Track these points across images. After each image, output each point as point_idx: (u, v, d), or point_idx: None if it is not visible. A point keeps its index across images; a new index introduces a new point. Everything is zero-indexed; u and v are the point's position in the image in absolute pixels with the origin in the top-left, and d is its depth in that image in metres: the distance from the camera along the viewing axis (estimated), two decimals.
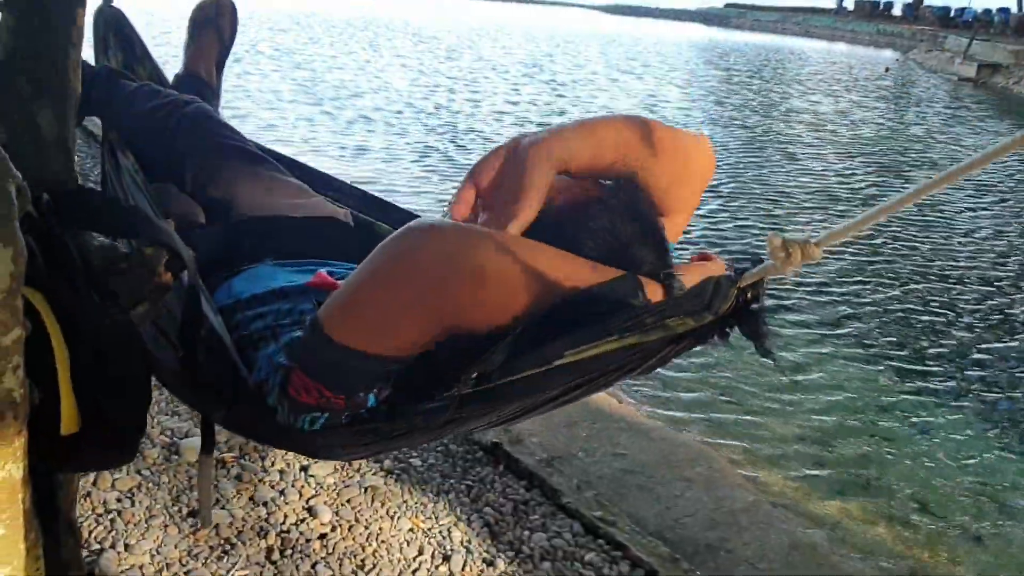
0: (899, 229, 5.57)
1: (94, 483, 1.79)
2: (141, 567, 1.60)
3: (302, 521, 1.78)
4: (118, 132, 1.42)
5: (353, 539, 1.75)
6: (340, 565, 1.66)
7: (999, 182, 7.53)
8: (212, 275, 1.15)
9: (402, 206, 1.48)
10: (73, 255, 0.83)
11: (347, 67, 12.82)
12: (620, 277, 0.76)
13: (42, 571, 0.78)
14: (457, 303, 0.74)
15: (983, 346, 3.83)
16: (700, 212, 5.28)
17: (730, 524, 2.00)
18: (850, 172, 7.64)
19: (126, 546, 1.64)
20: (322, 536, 1.74)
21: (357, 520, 1.80)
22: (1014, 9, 26.79)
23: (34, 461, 0.76)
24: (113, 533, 1.67)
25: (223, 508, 1.77)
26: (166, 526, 1.70)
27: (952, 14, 30.34)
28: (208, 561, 1.63)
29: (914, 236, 5.52)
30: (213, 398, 0.97)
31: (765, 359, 0.79)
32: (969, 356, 3.71)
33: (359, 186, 1.50)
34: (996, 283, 4.76)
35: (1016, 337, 3.97)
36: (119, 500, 1.76)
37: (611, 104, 11.26)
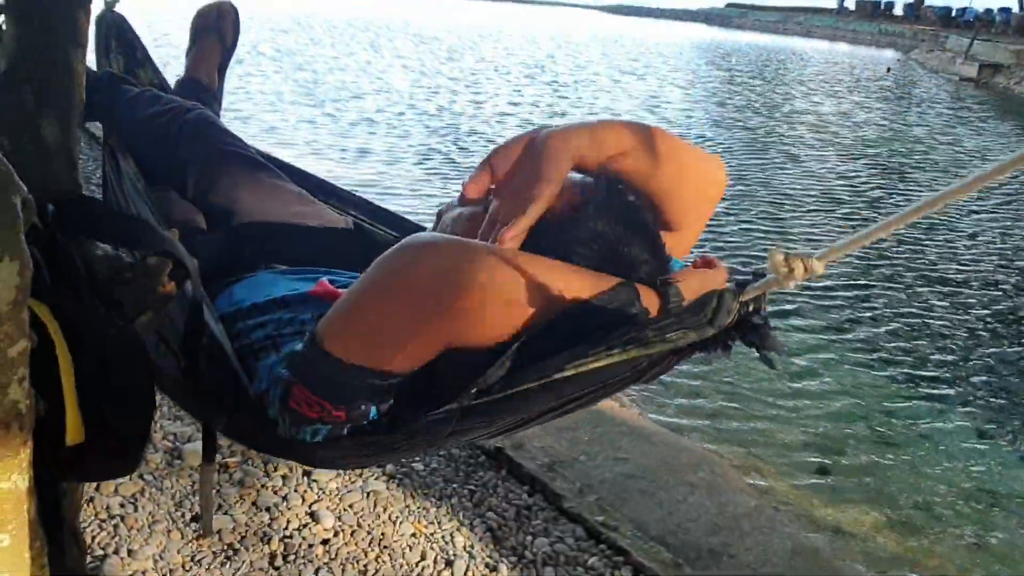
0: (903, 232, 5.57)
1: (97, 488, 1.79)
2: (144, 572, 1.60)
3: (305, 526, 1.78)
4: (119, 137, 1.42)
5: (356, 544, 1.75)
6: (343, 571, 1.67)
7: (1004, 184, 7.53)
8: (213, 282, 1.15)
9: (404, 210, 1.49)
10: (78, 266, 0.83)
11: (348, 68, 12.84)
12: (617, 286, 0.76)
13: None
14: (455, 318, 0.74)
15: (988, 351, 3.82)
16: None
17: (732, 529, 2.00)
18: (853, 174, 7.64)
19: (129, 552, 1.64)
20: (325, 541, 1.74)
21: (360, 525, 1.80)
22: (1015, 9, 26.77)
23: (39, 471, 0.76)
24: (116, 539, 1.67)
25: (226, 513, 1.78)
26: (169, 531, 1.71)
27: (953, 14, 30.35)
28: (211, 567, 1.63)
29: (918, 239, 5.51)
30: (214, 407, 0.97)
31: (769, 368, 0.79)
32: (974, 361, 3.70)
33: (361, 188, 1.51)
34: (1001, 287, 4.74)
35: (1022, 341, 3.96)
36: (122, 505, 1.76)
37: (613, 105, 11.27)
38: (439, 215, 0.96)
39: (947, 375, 3.54)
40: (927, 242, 5.49)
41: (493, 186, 0.85)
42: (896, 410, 3.20)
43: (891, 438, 2.98)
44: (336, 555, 1.71)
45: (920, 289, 4.59)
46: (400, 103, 9.65)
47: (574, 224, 0.82)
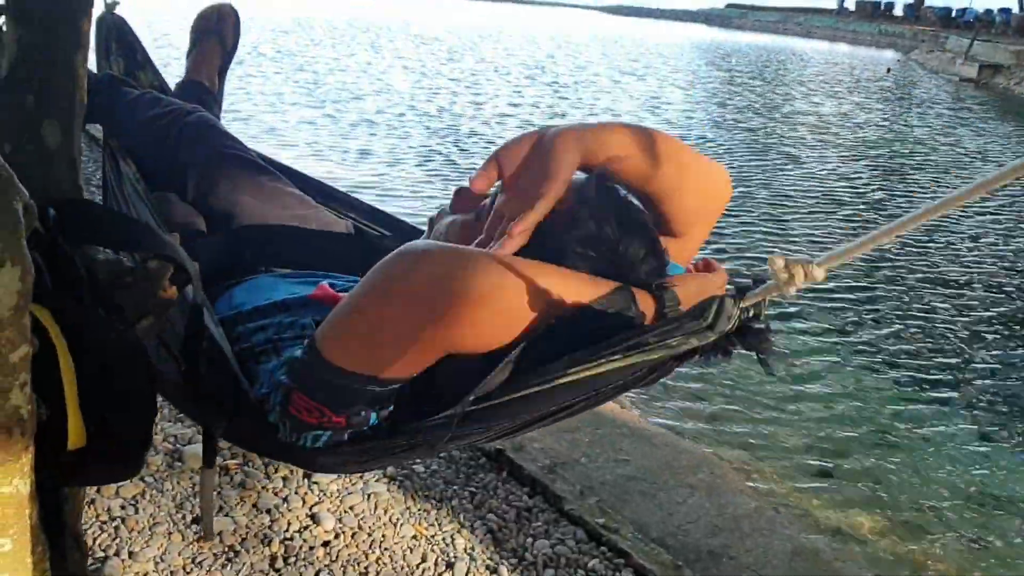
0: (905, 233, 5.54)
1: (98, 490, 1.79)
2: (145, 575, 1.60)
3: (305, 528, 1.78)
4: (119, 140, 1.42)
5: (356, 546, 1.75)
6: (343, 573, 1.67)
7: (1007, 185, 7.50)
8: (213, 284, 1.15)
9: (405, 212, 1.49)
10: (79, 270, 0.83)
11: (349, 69, 12.84)
12: (613, 290, 0.77)
13: None
14: (451, 325, 0.74)
15: (990, 353, 3.81)
16: None
17: (733, 530, 2.00)
18: (854, 175, 7.64)
19: (130, 554, 1.64)
20: (325, 543, 1.74)
21: (360, 527, 1.81)
22: (1015, 9, 26.77)
23: (41, 476, 0.77)
24: (117, 541, 1.67)
25: (227, 515, 1.78)
26: (170, 533, 1.71)
27: (953, 14, 30.36)
28: (212, 569, 1.63)
29: (920, 240, 5.50)
30: (215, 411, 0.97)
31: (769, 374, 0.79)
32: (976, 363, 3.69)
33: (362, 190, 1.51)
34: (1004, 289, 4.73)
35: None
36: (123, 507, 1.76)
37: (614, 106, 11.27)
38: (431, 223, 0.96)
39: (949, 377, 3.53)
40: (929, 244, 5.48)
41: (499, 182, 0.85)
42: (897, 412, 3.20)
43: (892, 440, 2.98)
44: (337, 557, 1.71)
45: (922, 291, 4.58)
46: (401, 104, 9.66)
47: (572, 224, 0.82)
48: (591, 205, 0.83)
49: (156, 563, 1.63)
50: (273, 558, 1.68)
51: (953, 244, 5.56)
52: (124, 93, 1.58)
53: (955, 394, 3.39)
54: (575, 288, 0.76)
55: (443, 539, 1.81)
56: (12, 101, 0.91)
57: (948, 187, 7.47)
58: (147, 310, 0.89)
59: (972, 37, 20.13)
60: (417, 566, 1.72)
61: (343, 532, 1.78)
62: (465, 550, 1.78)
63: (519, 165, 0.84)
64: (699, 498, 2.10)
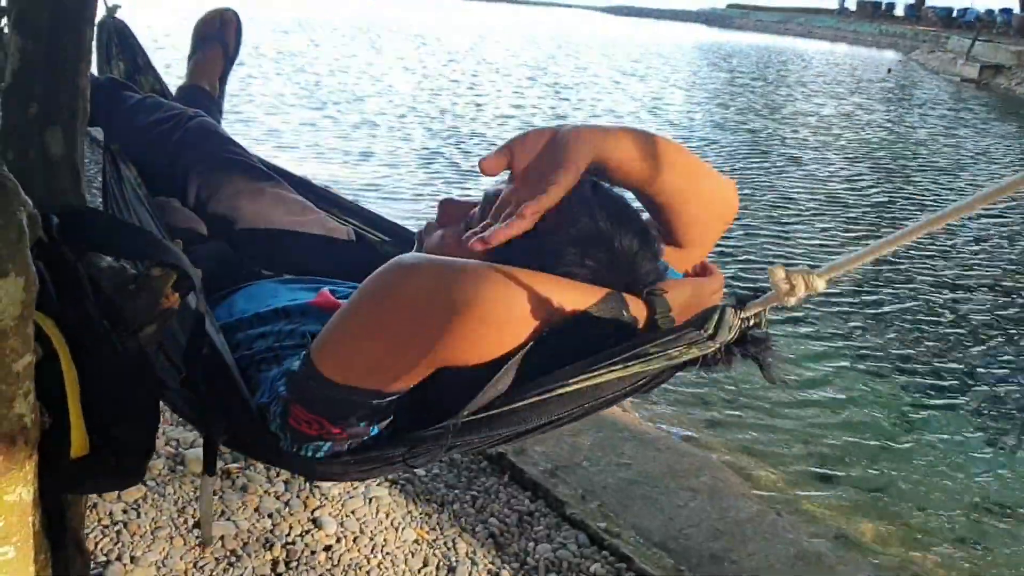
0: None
1: (99, 494, 1.79)
2: None
3: (307, 532, 1.78)
4: (120, 144, 1.42)
5: (358, 551, 1.75)
6: None
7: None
8: (213, 290, 1.16)
9: (407, 214, 1.49)
10: (82, 278, 0.83)
11: (350, 70, 12.85)
12: (604, 297, 0.77)
13: None
14: (443, 339, 0.74)
15: (996, 358, 3.79)
16: None
17: (735, 534, 2.00)
18: (856, 177, 7.63)
19: (132, 558, 1.64)
20: (327, 548, 1.74)
21: (362, 531, 1.81)
22: (1017, 10, 26.75)
23: (44, 484, 0.77)
24: (119, 545, 1.67)
25: (228, 519, 1.78)
26: (172, 538, 1.71)
27: (954, 14, 30.32)
28: (214, 573, 1.64)
29: (923, 242, 5.48)
30: (216, 419, 0.97)
31: (771, 383, 0.79)
32: (980, 368, 3.67)
33: (364, 192, 1.51)
34: (1010, 293, 4.70)
35: None
36: (125, 512, 1.76)
37: (615, 108, 11.26)
38: (419, 237, 0.96)
39: (952, 382, 3.52)
40: (933, 246, 5.45)
41: (509, 171, 0.85)
42: (901, 417, 3.20)
43: (895, 445, 2.98)
44: (338, 561, 1.71)
45: (925, 293, 4.56)
46: (402, 105, 9.67)
47: (568, 223, 0.83)
48: (584, 201, 0.84)
49: (158, 567, 1.63)
50: (275, 562, 1.68)
51: (957, 246, 5.53)
52: (125, 97, 1.58)
53: (960, 399, 3.37)
54: (566, 296, 0.76)
55: (445, 543, 1.81)
56: (16, 109, 0.92)
57: (949, 188, 7.47)
58: (150, 318, 0.89)
59: (973, 37, 20.11)
60: (419, 570, 1.72)
61: (345, 536, 1.78)
62: (467, 554, 1.78)
63: (532, 156, 0.84)
64: (701, 502, 2.10)
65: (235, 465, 1.95)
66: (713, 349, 0.73)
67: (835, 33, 34.29)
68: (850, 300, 4.34)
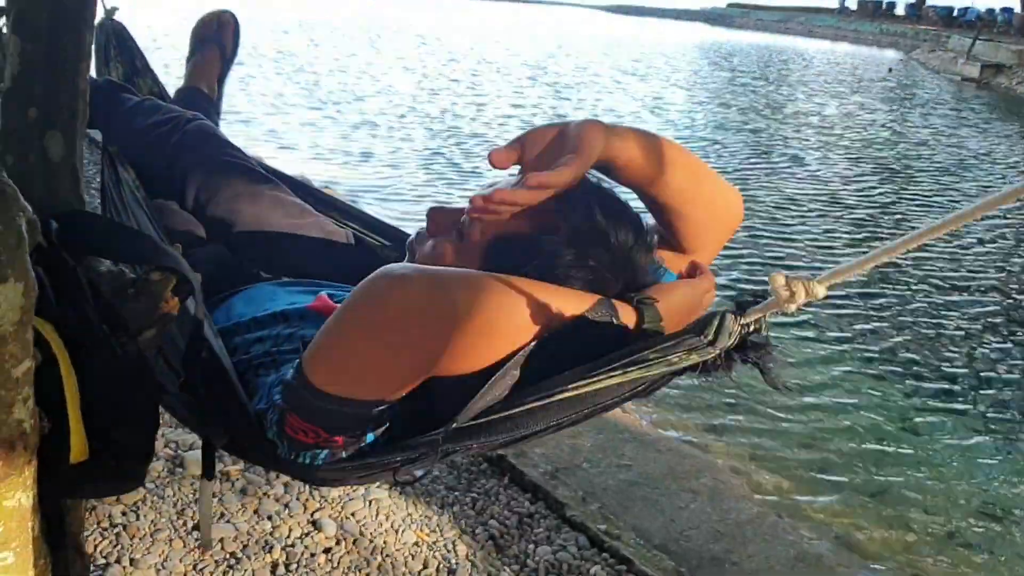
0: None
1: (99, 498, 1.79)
2: None
3: (307, 535, 1.78)
4: (119, 146, 1.42)
5: (358, 553, 1.75)
6: None
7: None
8: (212, 294, 1.15)
9: (408, 215, 1.49)
10: (82, 283, 0.83)
11: (350, 70, 12.85)
12: (595, 304, 0.77)
13: None
14: (432, 348, 0.74)
15: (998, 361, 3.77)
16: None
17: (735, 536, 2.00)
18: (859, 177, 7.61)
19: (131, 561, 1.64)
20: (327, 550, 1.74)
21: (362, 534, 1.81)
22: (1017, 9, 26.72)
23: (43, 489, 0.77)
24: (118, 547, 1.67)
25: (228, 522, 1.78)
26: (171, 540, 1.71)
27: (955, 14, 30.29)
28: None
29: (927, 244, 5.43)
30: (214, 423, 0.97)
31: (772, 388, 0.79)
32: (983, 371, 3.65)
33: (365, 192, 1.51)
34: (1014, 296, 4.67)
35: None
36: (124, 514, 1.76)
37: (616, 107, 11.26)
38: (410, 247, 0.96)
39: (955, 386, 3.50)
40: (936, 248, 5.42)
41: (520, 164, 0.85)
42: (903, 420, 3.19)
43: (897, 448, 2.97)
44: (338, 564, 1.71)
45: (930, 296, 4.54)
46: (402, 105, 9.67)
47: (564, 219, 0.83)
48: (582, 195, 0.84)
49: (157, 570, 1.63)
50: (275, 565, 1.68)
51: (962, 248, 5.50)
52: (124, 99, 1.57)
53: (961, 402, 3.36)
54: (556, 302, 0.76)
55: (444, 545, 1.81)
56: (15, 113, 0.91)
57: (953, 189, 7.45)
58: (149, 322, 0.89)
59: (974, 37, 20.10)
60: (419, 573, 1.72)
61: (344, 539, 1.78)
62: (467, 556, 1.78)
63: (543, 149, 0.83)
64: (701, 504, 2.10)
65: (235, 467, 1.95)
66: (713, 355, 0.73)
67: (836, 32, 34.28)
68: (853, 303, 4.32)
